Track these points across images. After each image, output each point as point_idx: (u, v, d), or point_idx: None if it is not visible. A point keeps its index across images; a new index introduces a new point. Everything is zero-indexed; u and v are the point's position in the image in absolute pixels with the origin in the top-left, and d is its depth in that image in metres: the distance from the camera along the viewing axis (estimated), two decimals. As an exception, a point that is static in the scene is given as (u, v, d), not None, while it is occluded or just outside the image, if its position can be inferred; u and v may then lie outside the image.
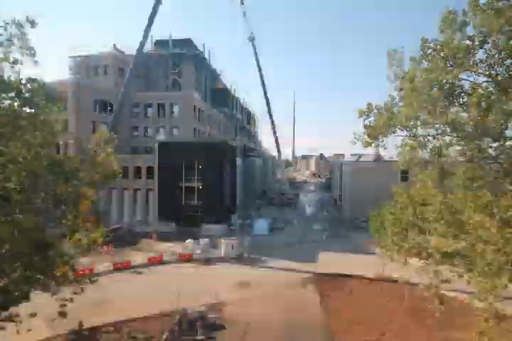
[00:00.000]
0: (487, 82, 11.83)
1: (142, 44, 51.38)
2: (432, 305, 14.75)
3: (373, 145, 13.31)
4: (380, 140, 13.21)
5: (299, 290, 25.62)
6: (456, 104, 12.20)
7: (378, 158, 59.18)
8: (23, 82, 12.00)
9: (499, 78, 11.38)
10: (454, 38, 11.02)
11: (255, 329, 19.35)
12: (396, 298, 23.77)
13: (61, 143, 47.91)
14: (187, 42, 65.47)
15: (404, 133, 13.31)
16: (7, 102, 12.03)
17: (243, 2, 68.05)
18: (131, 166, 46.93)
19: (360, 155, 68.28)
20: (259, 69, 73.97)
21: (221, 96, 79.51)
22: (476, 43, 10.89)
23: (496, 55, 11.01)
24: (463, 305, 21.65)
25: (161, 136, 48.42)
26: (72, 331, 19.09)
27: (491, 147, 12.82)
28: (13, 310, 12.11)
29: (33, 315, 12.22)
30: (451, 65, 11.26)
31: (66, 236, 13.26)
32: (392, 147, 13.99)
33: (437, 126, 12.71)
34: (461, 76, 11.77)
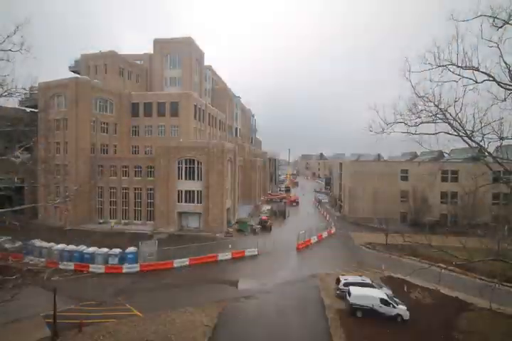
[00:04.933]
0: (488, 80, 11.80)
1: None
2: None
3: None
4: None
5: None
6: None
7: (378, 158, 59.12)
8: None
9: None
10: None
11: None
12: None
13: (59, 141, 47.92)
14: (187, 42, 65.16)
15: (405, 129, 13.31)
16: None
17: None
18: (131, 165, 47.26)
19: (359, 155, 68.22)
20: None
21: (221, 96, 79.34)
22: None
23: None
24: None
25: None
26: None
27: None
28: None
29: None
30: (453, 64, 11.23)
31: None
32: (392, 146, 14.00)
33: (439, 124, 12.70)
34: (462, 74, 11.75)
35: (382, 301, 21.44)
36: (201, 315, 21.35)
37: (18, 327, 19.47)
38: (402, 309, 21.35)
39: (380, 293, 22.49)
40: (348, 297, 22.27)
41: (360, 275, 27.36)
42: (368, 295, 21.89)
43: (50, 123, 48.63)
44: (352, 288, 22.72)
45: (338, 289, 24.80)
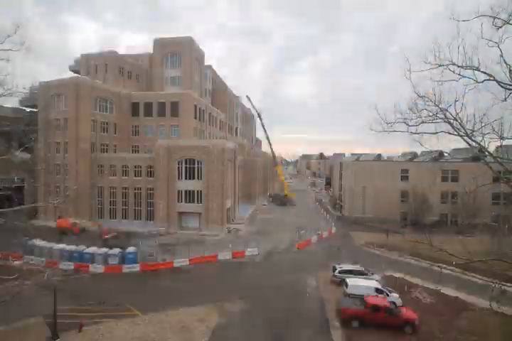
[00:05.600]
0: (488, 80, 11.79)
1: None
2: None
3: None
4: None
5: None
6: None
7: (378, 158, 59.11)
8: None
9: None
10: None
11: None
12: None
13: (59, 141, 47.96)
14: (188, 41, 65.16)
15: (406, 129, 13.29)
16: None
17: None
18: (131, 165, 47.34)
19: (360, 155, 68.27)
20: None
21: (221, 95, 79.39)
22: None
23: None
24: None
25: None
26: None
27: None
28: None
29: None
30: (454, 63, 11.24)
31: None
32: (391, 146, 14.04)
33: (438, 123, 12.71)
34: (462, 74, 11.75)
35: (377, 290, 23.20)
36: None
37: (18, 327, 19.48)
38: (394, 297, 22.84)
39: (374, 283, 24.46)
40: (345, 287, 24.05)
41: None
42: (364, 285, 23.69)
43: (50, 123, 48.70)
44: (348, 280, 24.57)
45: (334, 276, 27.49)
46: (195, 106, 57.22)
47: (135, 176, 47.35)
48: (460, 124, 12.31)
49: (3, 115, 49.34)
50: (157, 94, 57.11)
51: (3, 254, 31.34)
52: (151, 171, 46.58)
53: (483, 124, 11.98)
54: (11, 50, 12.19)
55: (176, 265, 30.90)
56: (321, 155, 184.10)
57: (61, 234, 39.37)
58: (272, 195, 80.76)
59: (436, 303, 23.77)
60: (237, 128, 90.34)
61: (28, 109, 56.50)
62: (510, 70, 11.22)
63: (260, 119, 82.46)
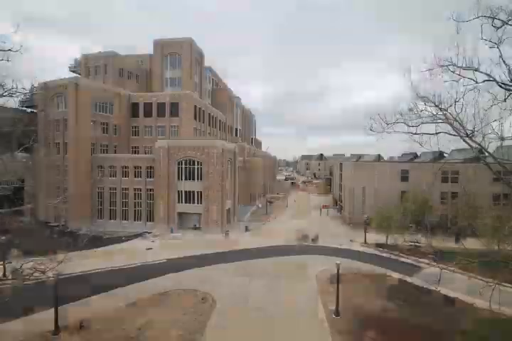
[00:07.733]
0: (488, 80, 11.80)
1: None
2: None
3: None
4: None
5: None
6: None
7: (378, 158, 59.04)
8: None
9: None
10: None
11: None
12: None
13: (59, 142, 47.96)
14: (187, 42, 65.22)
15: (406, 129, 13.29)
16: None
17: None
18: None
19: (359, 156, 68.24)
20: None
21: (221, 96, 79.47)
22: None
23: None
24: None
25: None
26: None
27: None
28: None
29: None
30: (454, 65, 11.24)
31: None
32: (391, 146, 14.04)
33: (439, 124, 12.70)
34: (462, 74, 11.75)
35: None
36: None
37: (19, 323, 19.48)
38: None
39: None
40: None
41: None
42: None
43: (50, 123, 48.72)
44: None
45: None
46: (195, 107, 57.26)
47: (135, 177, 47.37)
48: (460, 125, 12.31)
49: (3, 116, 49.30)
50: (157, 95, 57.11)
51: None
52: (150, 172, 46.61)
53: (483, 125, 11.97)
54: (11, 50, 12.19)
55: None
56: (321, 156, 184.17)
57: None
58: None
59: (436, 304, 23.72)
60: (237, 129, 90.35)
61: (28, 110, 56.50)
62: (509, 71, 11.23)
63: None
